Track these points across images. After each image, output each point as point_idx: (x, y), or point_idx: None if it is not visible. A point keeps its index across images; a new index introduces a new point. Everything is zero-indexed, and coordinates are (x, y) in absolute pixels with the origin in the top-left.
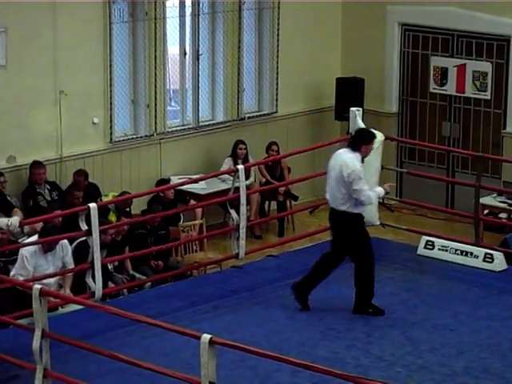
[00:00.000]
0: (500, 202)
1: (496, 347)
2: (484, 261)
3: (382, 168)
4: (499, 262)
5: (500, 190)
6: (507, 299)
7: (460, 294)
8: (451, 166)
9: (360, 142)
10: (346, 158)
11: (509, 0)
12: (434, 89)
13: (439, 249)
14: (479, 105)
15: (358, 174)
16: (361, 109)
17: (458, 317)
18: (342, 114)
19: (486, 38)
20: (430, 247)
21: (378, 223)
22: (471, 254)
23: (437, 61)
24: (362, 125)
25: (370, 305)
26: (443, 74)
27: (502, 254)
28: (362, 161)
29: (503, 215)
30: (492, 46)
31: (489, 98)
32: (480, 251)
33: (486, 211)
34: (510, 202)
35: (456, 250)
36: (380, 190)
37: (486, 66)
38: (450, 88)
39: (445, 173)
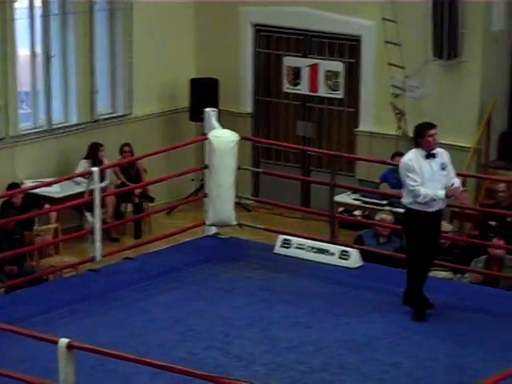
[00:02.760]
0: (354, 199)
1: (352, 343)
2: (340, 258)
3: (239, 168)
4: (354, 259)
5: (354, 188)
6: (363, 295)
7: (317, 292)
8: (307, 164)
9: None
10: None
11: (360, 0)
12: (288, 88)
13: (296, 247)
14: (332, 104)
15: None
16: (216, 109)
17: (315, 314)
18: (197, 115)
19: (337, 38)
20: (287, 246)
21: (235, 223)
22: (327, 251)
23: (290, 61)
24: (217, 125)
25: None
26: (296, 73)
27: (357, 250)
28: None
29: (358, 212)
30: (344, 46)
31: (342, 97)
32: (336, 249)
33: (341, 209)
34: (364, 199)
35: (312, 248)
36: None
37: (337, 66)
38: (304, 88)
39: (300, 172)
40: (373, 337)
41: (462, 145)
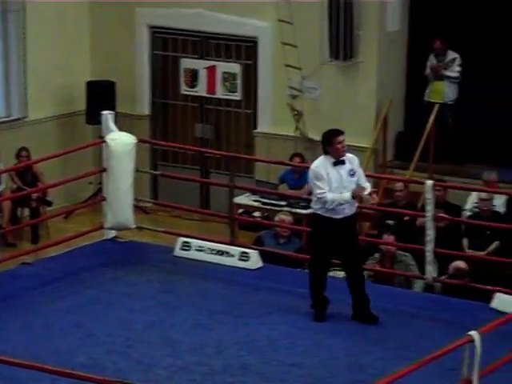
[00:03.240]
0: (254, 200)
1: (253, 344)
2: (240, 259)
3: (137, 171)
4: (254, 260)
5: (253, 190)
6: (263, 296)
7: (217, 293)
8: (205, 166)
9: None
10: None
11: (255, 1)
12: (186, 91)
13: (196, 249)
14: (230, 105)
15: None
16: (113, 112)
17: (215, 316)
18: (93, 118)
19: (234, 40)
20: (187, 248)
21: (134, 226)
22: (227, 253)
23: (187, 63)
24: (114, 128)
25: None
26: (194, 75)
27: (256, 252)
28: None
29: (257, 214)
30: (240, 48)
31: (239, 98)
32: (235, 250)
33: (240, 210)
34: (263, 200)
35: (212, 250)
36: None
37: (235, 68)
38: (201, 89)
39: (199, 174)
40: (273, 338)
41: (360, 145)
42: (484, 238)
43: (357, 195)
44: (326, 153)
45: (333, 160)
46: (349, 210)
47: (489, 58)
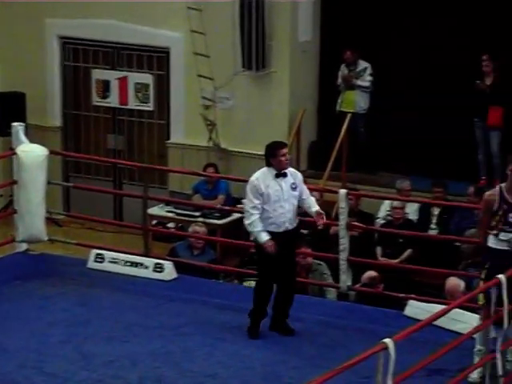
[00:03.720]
0: (168, 211)
1: (169, 356)
2: (154, 271)
3: (48, 183)
4: (169, 272)
5: (167, 200)
6: (178, 307)
7: (131, 305)
8: (118, 178)
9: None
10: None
11: (167, 12)
12: (98, 102)
13: (109, 261)
14: (143, 116)
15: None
16: (23, 124)
17: (130, 328)
18: (4, 130)
19: (146, 51)
20: (100, 260)
21: (46, 239)
22: (141, 264)
23: (98, 74)
24: (25, 140)
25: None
26: (105, 86)
27: (171, 263)
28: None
29: (171, 225)
30: (152, 58)
31: (152, 109)
32: (150, 261)
33: (154, 221)
34: (177, 211)
35: (126, 262)
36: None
37: (147, 78)
38: (113, 100)
39: (112, 185)
40: (189, 349)
41: None
42: (397, 245)
43: (318, 222)
44: (268, 165)
45: (275, 172)
46: (290, 225)
47: (400, 68)
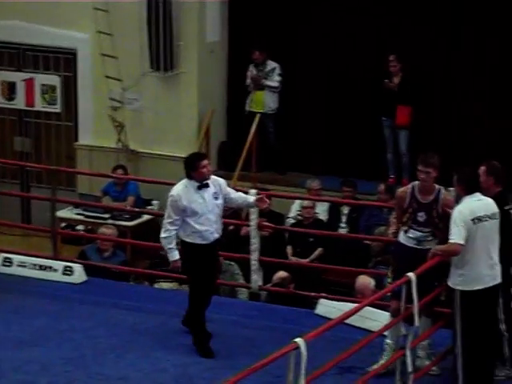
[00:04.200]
0: (77, 214)
1: (80, 359)
2: (64, 274)
3: None
4: (79, 274)
5: (76, 203)
6: (88, 310)
7: (41, 309)
8: (26, 180)
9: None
10: None
11: (73, 13)
12: (3, 103)
13: (18, 265)
14: (50, 118)
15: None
16: None
17: (40, 332)
18: None
19: (52, 52)
20: (8, 264)
21: None
22: (50, 268)
23: (4, 75)
24: None
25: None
26: (11, 88)
27: (81, 265)
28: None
29: (80, 227)
30: (59, 60)
31: (59, 111)
32: (59, 264)
33: (63, 224)
34: (86, 213)
35: (35, 265)
36: None
37: (54, 80)
38: (20, 102)
39: (19, 188)
40: (99, 351)
41: (183, 156)
42: (307, 245)
43: (262, 207)
44: (189, 177)
45: (197, 184)
46: (217, 234)
47: (309, 68)
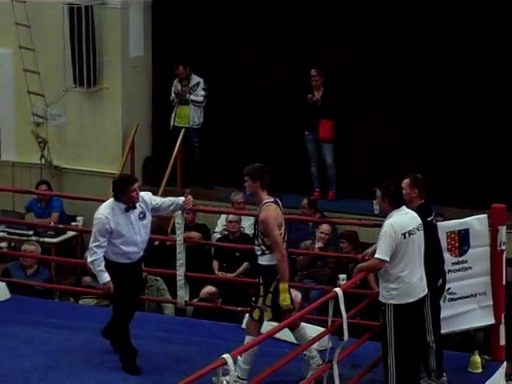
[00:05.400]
0: (0, 231)
1: (4, 378)
2: None
3: None
4: (2, 292)
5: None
6: (12, 328)
7: None
8: None
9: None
10: None
11: None
12: None
13: None
14: None
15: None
16: None
17: None
18: None
19: None
20: None
21: None
22: None
23: None
24: None
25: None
26: None
27: (4, 283)
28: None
29: (4, 244)
30: None
31: None
32: None
33: None
34: (9, 230)
35: None
36: None
37: None
38: None
39: None
40: (24, 370)
41: (107, 171)
42: (233, 259)
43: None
44: (116, 199)
45: (124, 206)
46: (142, 252)
47: (233, 83)
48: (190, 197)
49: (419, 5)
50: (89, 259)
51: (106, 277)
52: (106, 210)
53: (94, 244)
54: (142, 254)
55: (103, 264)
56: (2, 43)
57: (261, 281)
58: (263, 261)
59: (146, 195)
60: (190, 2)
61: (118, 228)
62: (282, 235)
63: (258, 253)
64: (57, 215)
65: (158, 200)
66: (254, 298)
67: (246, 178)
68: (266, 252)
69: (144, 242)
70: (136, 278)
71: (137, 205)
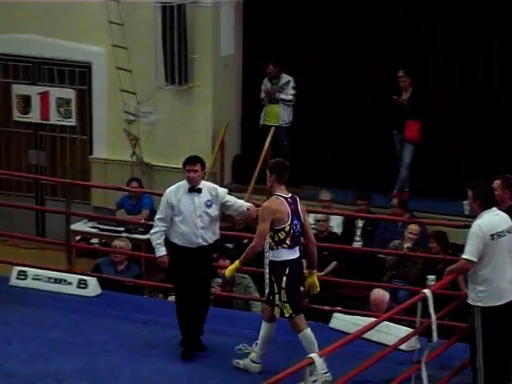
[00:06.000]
0: (91, 227)
1: (94, 372)
2: (78, 287)
3: None
4: (93, 288)
5: (90, 216)
6: (102, 323)
7: (56, 323)
8: (40, 194)
9: None
10: None
11: (87, 26)
12: (19, 117)
13: (32, 278)
14: (65, 131)
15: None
16: None
17: (55, 345)
18: None
19: (67, 65)
20: (23, 277)
21: None
22: (65, 281)
23: (19, 89)
24: None
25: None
26: (27, 101)
27: (95, 279)
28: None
29: (95, 240)
30: (74, 73)
31: (74, 124)
32: (73, 278)
33: (78, 237)
34: (101, 227)
35: (49, 278)
36: None
37: (69, 93)
38: (35, 116)
39: (34, 201)
40: (114, 365)
41: None
42: (321, 258)
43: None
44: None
45: (188, 186)
46: (203, 241)
47: (323, 81)
48: (254, 208)
49: None
50: (151, 231)
51: (162, 251)
52: (172, 187)
53: (157, 217)
54: (203, 243)
55: (163, 238)
56: (95, 41)
57: (273, 278)
58: (270, 257)
59: (221, 190)
60: (281, 1)
61: (179, 205)
62: (292, 228)
63: (266, 247)
64: (147, 212)
65: (230, 199)
66: (271, 297)
67: (266, 171)
68: (274, 247)
69: (207, 230)
70: (195, 266)
71: (206, 192)
